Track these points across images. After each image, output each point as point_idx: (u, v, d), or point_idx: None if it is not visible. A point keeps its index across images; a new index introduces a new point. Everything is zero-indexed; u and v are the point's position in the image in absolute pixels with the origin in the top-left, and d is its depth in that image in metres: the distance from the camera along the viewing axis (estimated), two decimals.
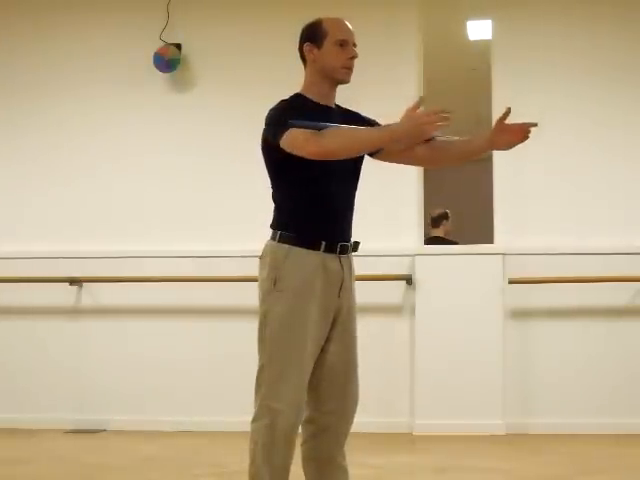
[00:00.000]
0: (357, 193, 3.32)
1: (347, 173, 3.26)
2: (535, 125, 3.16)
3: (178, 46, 6.74)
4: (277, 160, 3.16)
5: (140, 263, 6.61)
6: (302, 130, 3.02)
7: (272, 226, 3.23)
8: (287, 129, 3.03)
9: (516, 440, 6.02)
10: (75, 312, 6.75)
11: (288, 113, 3.10)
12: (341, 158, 3.12)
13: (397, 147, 3.31)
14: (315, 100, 3.23)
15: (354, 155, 3.19)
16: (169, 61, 6.72)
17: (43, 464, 5.29)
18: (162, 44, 6.71)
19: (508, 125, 3.20)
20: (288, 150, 3.05)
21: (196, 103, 6.81)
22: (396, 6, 6.68)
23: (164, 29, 6.73)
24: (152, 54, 6.69)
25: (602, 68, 6.54)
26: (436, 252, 6.70)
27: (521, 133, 3.21)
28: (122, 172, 6.81)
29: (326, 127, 3.03)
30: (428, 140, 3.33)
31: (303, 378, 3.12)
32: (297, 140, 3.02)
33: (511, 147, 3.26)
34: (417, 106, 3.01)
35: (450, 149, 3.39)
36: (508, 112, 3.16)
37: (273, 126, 3.11)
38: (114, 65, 6.88)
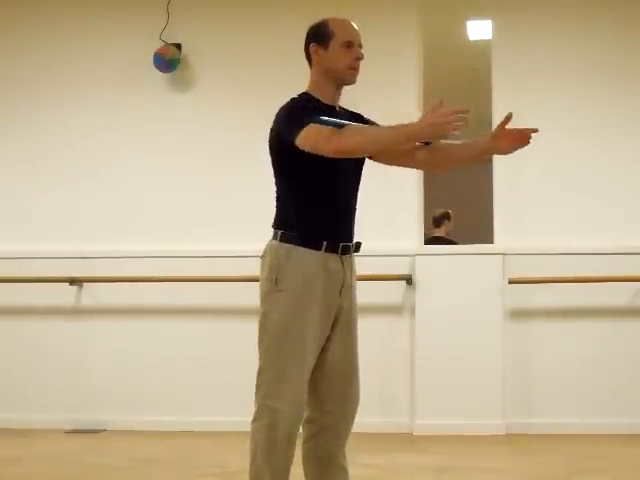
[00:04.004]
0: (358, 194, 3.32)
1: (351, 173, 3.26)
2: (536, 131, 3.17)
3: (178, 46, 6.74)
4: (285, 159, 3.16)
5: (140, 263, 6.60)
6: (321, 127, 3.00)
7: (274, 226, 3.23)
8: (303, 127, 3.01)
9: (516, 440, 6.02)
10: (75, 312, 6.74)
11: (303, 111, 3.09)
12: (358, 156, 3.14)
13: (401, 149, 3.32)
14: (322, 100, 3.24)
15: (371, 154, 3.22)
16: (169, 61, 6.72)
17: (43, 464, 5.29)
18: (162, 44, 6.71)
19: (508, 130, 3.21)
20: (304, 148, 3.03)
21: (196, 103, 6.81)
22: (396, 6, 6.68)
23: (164, 29, 6.72)
24: (152, 54, 6.69)
25: (602, 68, 6.53)
26: (436, 252, 6.71)
27: (521, 138, 3.22)
28: (122, 172, 6.81)
29: (343, 124, 3.02)
30: (427, 143, 3.34)
31: (304, 377, 3.12)
32: (316, 137, 3.00)
33: (511, 152, 3.28)
34: (437, 106, 2.97)
35: (449, 153, 3.40)
36: (509, 118, 3.17)
37: (288, 124, 3.08)
38: (114, 65, 6.87)
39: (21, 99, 6.96)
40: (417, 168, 3.46)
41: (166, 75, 6.78)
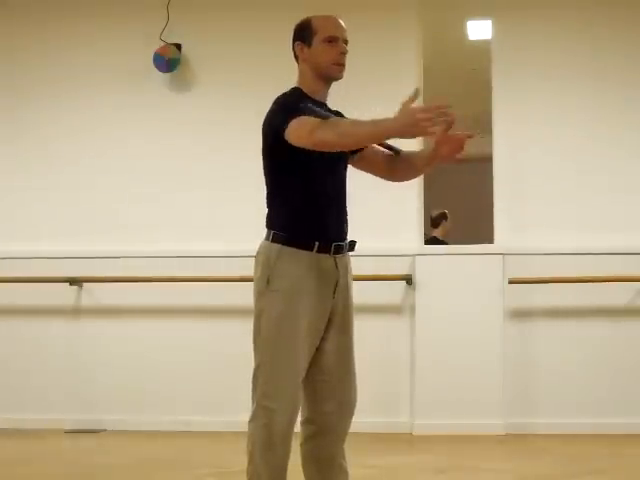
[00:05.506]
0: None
1: (340, 172, 3.24)
2: (471, 136, 3.05)
3: (178, 46, 6.74)
4: (275, 157, 3.13)
5: (140, 263, 6.60)
6: (308, 119, 2.97)
7: (266, 225, 3.21)
8: (293, 118, 2.98)
9: (516, 440, 6.02)
10: (75, 312, 6.75)
11: (296, 102, 3.06)
12: (334, 150, 3.07)
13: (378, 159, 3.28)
14: (311, 97, 3.23)
15: (348, 149, 3.15)
16: (169, 61, 6.72)
17: (43, 464, 5.29)
18: (162, 44, 6.71)
19: (449, 136, 3.12)
20: (291, 140, 3.00)
21: (196, 103, 6.81)
22: (396, 6, 6.68)
23: (164, 29, 6.72)
24: (152, 54, 6.70)
25: (601, 68, 6.54)
26: (436, 252, 6.71)
27: (458, 144, 3.16)
28: (122, 172, 6.81)
29: (329, 117, 2.99)
30: (396, 153, 3.31)
31: (297, 377, 3.12)
32: (301, 129, 2.96)
33: (453, 158, 3.21)
34: (413, 99, 2.84)
35: (410, 163, 3.37)
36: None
37: (280, 116, 3.05)
38: (114, 65, 6.87)
39: (21, 100, 6.97)
40: (378, 175, 3.29)
41: (166, 75, 6.79)
